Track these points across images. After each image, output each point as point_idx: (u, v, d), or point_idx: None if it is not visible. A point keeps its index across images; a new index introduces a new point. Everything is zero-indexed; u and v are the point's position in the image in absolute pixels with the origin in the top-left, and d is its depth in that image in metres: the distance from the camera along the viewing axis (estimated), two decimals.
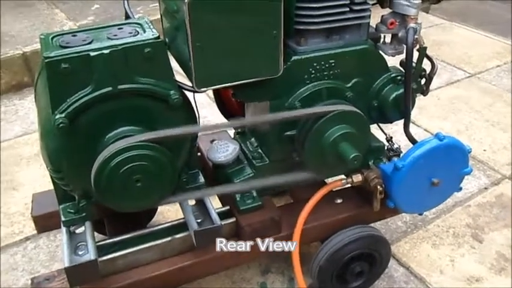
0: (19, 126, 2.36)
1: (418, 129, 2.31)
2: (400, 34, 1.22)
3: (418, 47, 1.23)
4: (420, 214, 1.50)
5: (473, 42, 3.29)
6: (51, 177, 1.11)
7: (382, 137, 1.42)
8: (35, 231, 1.45)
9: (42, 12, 3.23)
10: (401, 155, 1.37)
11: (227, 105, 1.44)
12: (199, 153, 1.39)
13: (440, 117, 2.43)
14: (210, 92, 2.16)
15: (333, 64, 1.19)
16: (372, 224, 1.43)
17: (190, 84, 1.07)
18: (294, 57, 1.15)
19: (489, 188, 1.95)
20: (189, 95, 1.13)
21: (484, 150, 2.18)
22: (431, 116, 2.42)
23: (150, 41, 0.98)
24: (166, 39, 1.17)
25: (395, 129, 1.56)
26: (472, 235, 1.71)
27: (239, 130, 1.40)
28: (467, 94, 2.65)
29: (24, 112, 2.49)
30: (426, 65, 1.29)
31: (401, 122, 1.32)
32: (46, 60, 0.92)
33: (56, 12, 3.24)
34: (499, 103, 2.55)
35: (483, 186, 1.95)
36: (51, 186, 1.20)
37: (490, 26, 3.46)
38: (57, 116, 0.94)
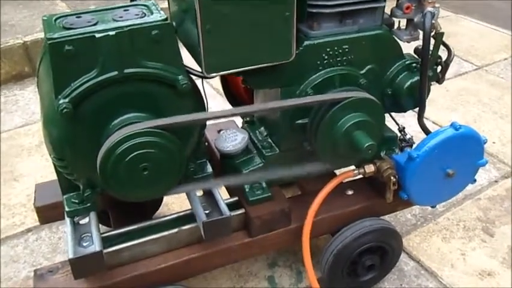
0: (19, 116, 2.32)
1: (427, 121, 2.23)
2: (416, 19, 1.18)
3: (434, 32, 1.19)
4: (433, 207, 1.46)
5: (480, 34, 3.24)
6: (55, 166, 1.07)
7: (394, 127, 1.39)
8: (37, 223, 1.42)
9: (42, 3, 3.18)
10: (414, 145, 1.33)
11: (235, 94, 1.40)
12: (206, 143, 1.35)
13: (449, 109, 2.39)
14: (215, 83, 2.13)
15: (346, 50, 1.15)
16: (381, 217, 1.39)
17: (199, 70, 1.03)
18: (306, 42, 1.11)
19: (499, 181, 1.91)
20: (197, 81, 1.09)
21: (494, 142, 2.14)
22: (440, 108, 2.38)
23: (158, 23, 0.94)
24: (174, 24, 1.12)
25: (402, 121, 1.52)
26: (482, 229, 1.68)
27: (247, 119, 1.36)
28: (475, 86, 2.61)
29: (25, 102, 2.45)
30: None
31: (409, 113, 1.28)
32: (49, 42, 0.87)
33: (56, 2, 3.19)
34: (507, 96, 2.51)
35: (493, 179, 1.92)
36: (53, 177, 1.17)
37: (494, 20, 3.41)
38: (60, 101, 0.90)
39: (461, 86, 2.60)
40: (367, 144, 1.07)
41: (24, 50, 2.63)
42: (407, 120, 1.54)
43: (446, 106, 2.41)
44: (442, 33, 1.19)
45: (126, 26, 0.91)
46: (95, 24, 0.93)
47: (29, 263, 1.53)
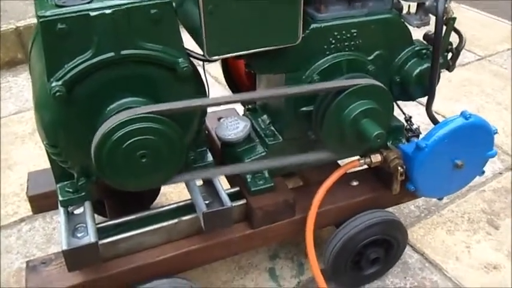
0: (13, 104, 2.27)
1: None
2: (427, 3, 1.13)
3: (445, 17, 1.14)
4: (440, 199, 1.42)
5: (483, 24, 3.19)
6: (48, 153, 1.02)
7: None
8: (30, 213, 1.37)
9: None
10: (421, 135, 1.29)
11: (236, 79, 1.35)
12: (206, 132, 1.30)
13: (452, 99, 2.35)
14: (213, 71, 2.07)
15: (354, 34, 1.10)
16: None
17: (200, 53, 0.97)
18: (313, 25, 1.06)
19: (504, 172, 1.88)
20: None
21: (497, 133, 2.10)
22: (443, 98, 2.34)
23: (157, 1, 0.88)
24: (174, 4, 1.06)
25: (404, 110, 1.48)
26: (487, 221, 1.65)
27: (249, 106, 1.31)
28: (478, 77, 2.57)
29: (18, 89, 2.39)
30: None
31: (411, 103, 1.23)
32: (41, 20, 0.81)
33: None
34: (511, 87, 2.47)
35: (497, 171, 1.88)
36: (47, 166, 1.11)
37: (497, 10, 3.36)
38: (53, 84, 0.85)
39: (464, 76, 2.56)
40: (375, 133, 1.03)
41: (17, 36, 2.56)
42: (409, 110, 1.48)
43: (449, 96, 2.37)
44: (454, 18, 1.14)
45: (123, 4, 0.85)
46: (89, 2, 0.86)
47: (22, 254, 1.49)
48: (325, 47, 1.09)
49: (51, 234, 1.56)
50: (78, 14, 0.83)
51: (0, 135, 2.01)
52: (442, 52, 1.18)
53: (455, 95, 2.39)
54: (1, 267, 1.45)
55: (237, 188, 1.20)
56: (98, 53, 0.86)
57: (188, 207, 1.13)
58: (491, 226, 1.63)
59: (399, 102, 1.31)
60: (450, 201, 1.72)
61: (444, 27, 1.15)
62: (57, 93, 0.84)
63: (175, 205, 1.15)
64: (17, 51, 2.58)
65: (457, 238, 1.58)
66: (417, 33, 1.22)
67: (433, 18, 1.15)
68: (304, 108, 1.12)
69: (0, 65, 2.52)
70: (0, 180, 1.76)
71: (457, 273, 1.45)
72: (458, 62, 2.77)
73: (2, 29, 2.53)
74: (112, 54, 0.87)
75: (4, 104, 2.26)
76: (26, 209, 1.61)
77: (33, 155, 1.88)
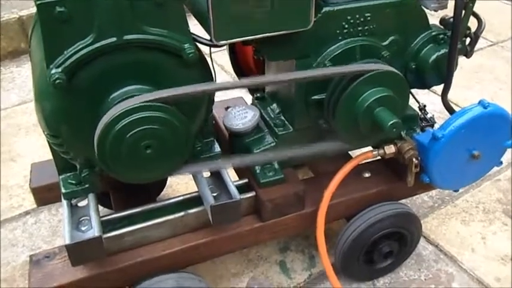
0: (16, 94, 2.23)
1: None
2: None
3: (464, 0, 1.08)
4: (455, 191, 1.37)
5: (495, 10, 3.11)
6: (49, 143, 0.98)
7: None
8: (35, 205, 1.34)
9: None
10: (435, 125, 1.24)
11: (243, 67, 1.30)
12: (213, 121, 1.25)
13: (465, 86, 2.29)
14: (219, 59, 2.02)
15: (368, 18, 1.04)
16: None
17: (207, 38, 0.93)
18: (326, 9, 1.01)
19: None
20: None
21: None
22: (455, 85, 2.22)
23: None
24: None
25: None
26: (503, 211, 1.60)
27: (258, 95, 1.26)
28: (491, 63, 2.50)
29: (22, 80, 2.35)
30: None
31: (421, 91, 1.18)
32: (38, 3, 0.77)
33: None
34: None
35: None
36: (51, 157, 1.08)
37: None
38: (53, 71, 0.81)
39: (476, 62, 2.49)
40: (391, 122, 0.98)
41: (20, 25, 2.52)
42: (420, 98, 1.43)
43: (461, 84, 2.30)
44: (474, 1, 1.09)
45: None
46: None
47: (28, 247, 1.47)
48: (338, 31, 1.04)
49: (57, 226, 1.54)
50: None
51: (0, 127, 1.98)
52: (460, 37, 1.12)
53: (468, 82, 2.32)
54: (6, 261, 1.43)
55: (246, 180, 1.16)
56: (99, 38, 0.82)
57: (195, 200, 1.10)
58: (507, 216, 1.58)
59: (412, 90, 1.26)
60: (464, 191, 1.67)
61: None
62: (57, 81, 0.80)
63: (181, 197, 1.12)
64: (20, 41, 2.54)
65: (472, 229, 1.53)
66: (433, 18, 1.17)
67: (451, 2, 1.10)
68: (315, 97, 1.07)
69: (1, 55, 2.49)
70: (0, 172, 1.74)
71: (473, 265, 1.41)
72: None
73: (4, 19, 2.49)
74: (114, 39, 0.83)
75: (7, 94, 2.23)
76: (30, 201, 1.58)
77: (37, 147, 1.86)
